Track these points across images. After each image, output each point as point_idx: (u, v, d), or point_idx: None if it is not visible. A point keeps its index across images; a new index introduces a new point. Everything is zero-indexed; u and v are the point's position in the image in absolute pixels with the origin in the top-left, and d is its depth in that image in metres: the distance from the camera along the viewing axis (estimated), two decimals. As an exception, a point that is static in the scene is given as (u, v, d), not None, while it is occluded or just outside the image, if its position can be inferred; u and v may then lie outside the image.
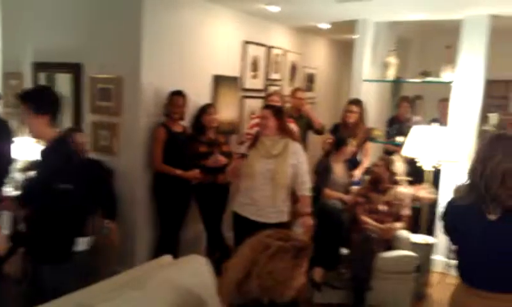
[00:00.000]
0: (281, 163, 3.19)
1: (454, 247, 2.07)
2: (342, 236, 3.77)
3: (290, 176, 3.24)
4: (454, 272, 4.38)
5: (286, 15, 4.98)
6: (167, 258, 2.37)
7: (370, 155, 4.66)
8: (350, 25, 4.99)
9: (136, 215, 3.98)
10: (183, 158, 3.95)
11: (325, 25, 5.62)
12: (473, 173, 1.87)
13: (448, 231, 2.05)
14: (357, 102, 4.61)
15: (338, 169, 4.13)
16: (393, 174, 4.00)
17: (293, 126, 3.96)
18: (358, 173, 4.41)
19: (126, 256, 3.83)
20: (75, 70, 4.20)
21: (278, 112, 3.31)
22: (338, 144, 4.17)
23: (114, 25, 3.97)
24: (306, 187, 3.32)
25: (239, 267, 1.67)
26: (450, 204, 2.01)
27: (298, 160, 3.26)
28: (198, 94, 4.36)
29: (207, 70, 4.59)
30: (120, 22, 3.94)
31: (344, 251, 3.78)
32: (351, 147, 4.17)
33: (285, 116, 3.45)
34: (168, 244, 3.84)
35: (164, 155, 3.88)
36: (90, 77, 4.13)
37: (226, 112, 4.84)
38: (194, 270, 2.22)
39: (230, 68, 4.93)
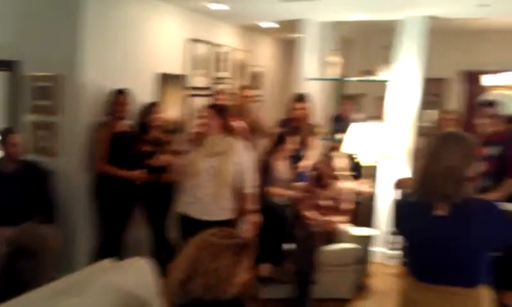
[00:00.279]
0: (225, 161, 3.23)
1: (404, 243, 2.14)
2: (286, 232, 3.86)
3: (233, 174, 3.28)
4: (392, 262, 4.63)
5: (232, 13, 5.01)
6: (108, 262, 2.34)
7: (318, 149, 4.77)
8: (296, 25, 5.10)
9: (76, 218, 3.89)
10: (127, 158, 3.89)
11: (271, 24, 5.71)
12: (421, 170, 1.90)
13: (398, 227, 2.11)
14: (302, 98, 4.70)
15: (281, 166, 4.22)
16: (335, 170, 4.14)
17: (241, 124, 3.99)
18: (302, 164, 4.51)
19: (66, 261, 3.72)
20: (10, 67, 4.02)
21: (221, 111, 3.34)
22: (278, 141, 4.22)
23: (53, 20, 3.84)
24: (249, 185, 3.37)
25: (183, 267, 1.66)
26: (400, 202, 2.10)
27: (241, 159, 3.31)
28: (142, 93, 4.29)
29: (151, 68, 4.53)
30: (59, 17, 3.82)
31: (289, 246, 3.88)
32: (291, 144, 4.24)
33: (228, 115, 3.48)
34: (111, 247, 3.76)
35: (108, 155, 3.81)
36: (28, 75, 3.97)
37: (171, 110, 4.80)
38: (137, 273, 2.20)
39: (175, 66, 4.89)
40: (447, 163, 1.80)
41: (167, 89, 4.74)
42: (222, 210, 3.29)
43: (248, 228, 3.37)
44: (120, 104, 3.87)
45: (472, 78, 6.81)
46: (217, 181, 3.23)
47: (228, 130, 3.36)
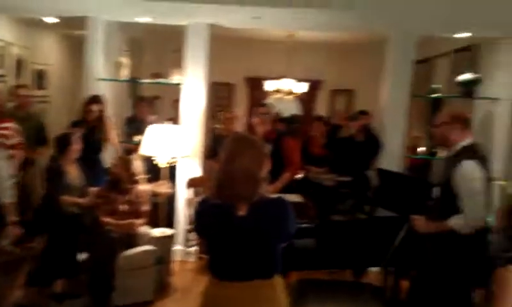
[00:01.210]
0: None
1: (205, 244, 2.12)
2: (78, 242, 3.63)
3: None
4: (192, 259, 4.81)
5: (6, 4, 4.44)
6: None
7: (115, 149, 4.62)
8: (81, 22, 4.81)
9: None
10: None
11: (52, 19, 5.26)
12: (219, 172, 1.96)
13: (199, 229, 2.13)
14: (96, 99, 4.48)
15: (72, 171, 3.94)
16: (132, 173, 4.07)
17: (12, 125, 3.58)
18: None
19: None
20: None
21: None
22: (63, 144, 3.92)
23: None
24: (7, 195, 3.09)
25: None
26: (201, 204, 2.08)
27: None
28: None
29: None
30: None
31: (84, 255, 3.65)
32: (76, 145, 3.99)
33: None
34: None
35: None
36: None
37: None
38: None
39: None
40: (243, 166, 1.91)
41: None
42: None
43: (9, 241, 3.05)
44: None
45: (254, 83, 7.58)
46: None
47: None
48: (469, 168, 2.69)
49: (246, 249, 1.96)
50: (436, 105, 5.98)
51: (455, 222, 2.70)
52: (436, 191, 2.97)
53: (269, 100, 7.43)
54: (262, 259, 1.99)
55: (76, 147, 3.95)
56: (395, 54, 4.75)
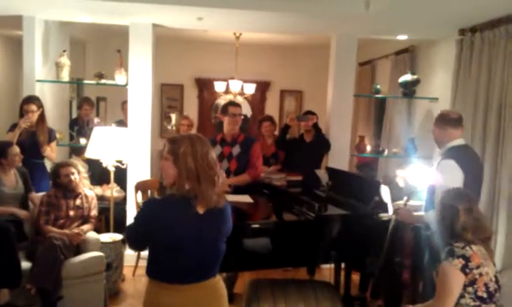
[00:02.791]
0: None
1: (144, 246, 2.08)
2: (19, 250, 3.46)
3: None
4: (144, 263, 4.70)
5: None
6: None
7: (55, 153, 4.43)
8: (18, 21, 4.57)
9: None
10: None
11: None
12: (183, 172, 1.94)
13: (142, 229, 1.99)
14: (34, 100, 4.27)
15: (8, 179, 3.75)
16: (81, 177, 3.93)
17: None
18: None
19: None
20: None
21: None
22: (2, 149, 3.74)
23: None
24: None
25: None
26: (150, 204, 2.06)
27: None
28: None
29: None
30: None
31: (28, 264, 3.48)
32: (15, 150, 3.80)
33: None
34: None
35: None
36: None
37: None
38: None
39: None
40: (194, 164, 1.92)
41: None
42: None
43: None
44: None
45: (204, 84, 7.54)
46: None
47: None
48: (447, 167, 2.85)
49: (197, 250, 1.96)
50: (380, 105, 6.24)
51: (427, 215, 2.86)
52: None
53: (219, 101, 7.44)
54: (212, 260, 2.03)
55: (13, 157, 3.76)
56: (338, 55, 4.91)
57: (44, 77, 4.74)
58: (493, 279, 2.31)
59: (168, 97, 7.63)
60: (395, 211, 3.13)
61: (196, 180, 1.92)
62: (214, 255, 2.03)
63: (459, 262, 2.26)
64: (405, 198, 3.26)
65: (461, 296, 2.27)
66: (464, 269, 2.25)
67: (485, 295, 2.27)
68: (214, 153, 2.02)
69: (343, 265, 3.71)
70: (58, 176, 3.83)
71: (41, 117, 4.27)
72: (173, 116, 5.86)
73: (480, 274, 2.26)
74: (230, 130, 3.95)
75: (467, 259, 2.27)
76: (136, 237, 2.04)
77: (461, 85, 4.22)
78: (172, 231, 1.93)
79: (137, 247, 2.19)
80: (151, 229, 1.94)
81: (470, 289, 2.27)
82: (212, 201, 1.95)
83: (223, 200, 2.01)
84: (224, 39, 6.52)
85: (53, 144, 4.35)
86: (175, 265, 1.96)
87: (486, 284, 2.27)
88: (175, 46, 7.04)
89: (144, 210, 2.01)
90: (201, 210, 1.95)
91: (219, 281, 2.09)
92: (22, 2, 4.05)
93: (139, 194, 4.63)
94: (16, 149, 3.81)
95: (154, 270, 2.02)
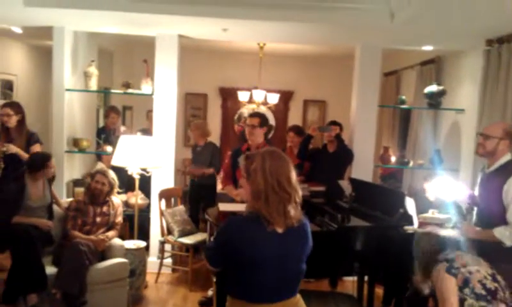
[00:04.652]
0: None
1: (230, 265, 1.99)
2: (45, 255, 3.56)
3: None
4: (167, 271, 4.75)
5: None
6: None
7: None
8: (48, 32, 4.72)
9: None
10: None
11: (17, 30, 5.14)
12: (257, 188, 1.88)
13: (221, 248, 1.96)
14: (12, 105, 4.32)
15: (36, 190, 3.85)
16: (112, 186, 4.01)
17: None
18: None
19: None
20: None
21: None
22: (42, 161, 3.85)
23: None
24: None
25: None
26: (229, 222, 1.99)
27: None
28: None
29: None
30: None
31: (54, 269, 3.56)
32: (53, 163, 3.93)
33: None
34: None
35: None
36: None
37: None
38: None
39: None
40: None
41: None
42: None
43: None
44: None
45: (227, 94, 7.60)
46: None
47: None
48: None
49: (281, 268, 1.91)
50: (405, 115, 6.16)
51: (499, 232, 2.78)
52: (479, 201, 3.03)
53: (243, 110, 7.49)
54: (294, 278, 1.99)
55: (50, 170, 3.90)
56: (362, 66, 4.88)
57: (73, 86, 4.86)
58: (489, 277, 2.30)
59: (191, 106, 7.73)
60: (456, 227, 3.03)
61: (264, 199, 1.86)
62: (294, 274, 1.98)
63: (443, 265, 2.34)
64: (431, 211, 3.21)
65: (463, 299, 2.26)
66: (450, 270, 2.30)
67: (484, 292, 2.25)
68: (292, 171, 1.94)
69: (366, 278, 3.66)
70: (92, 179, 3.95)
71: (19, 123, 4.24)
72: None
73: (470, 272, 2.28)
74: (249, 140, 4.00)
75: (451, 260, 2.33)
76: (216, 256, 2.01)
77: (488, 96, 4.14)
78: (251, 249, 1.87)
79: (217, 265, 2.07)
80: (229, 248, 1.90)
81: (466, 290, 2.27)
82: (284, 222, 1.88)
83: (299, 219, 1.94)
84: (248, 49, 6.57)
85: (34, 147, 4.25)
86: (255, 283, 1.91)
87: (480, 281, 2.27)
88: (200, 56, 7.13)
89: (223, 229, 1.99)
90: (279, 229, 1.88)
91: (299, 300, 2.04)
92: (53, 14, 4.17)
93: (163, 201, 4.69)
94: (53, 162, 3.94)
95: (235, 289, 1.97)
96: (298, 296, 2.04)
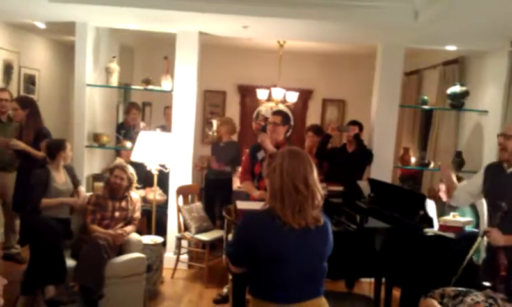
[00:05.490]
0: None
1: (251, 265, 1.99)
2: (65, 248, 3.62)
3: None
4: (183, 267, 4.77)
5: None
6: None
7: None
8: (71, 27, 4.78)
9: None
10: None
11: (41, 25, 5.22)
12: (278, 187, 1.89)
13: (242, 243, 1.97)
14: (18, 99, 4.37)
15: (60, 176, 3.91)
16: (131, 181, 4.04)
17: None
18: None
19: None
20: None
21: None
22: (57, 148, 3.89)
23: None
24: None
25: None
26: (246, 216, 1.99)
27: None
28: None
29: None
30: None
31: (73, 262, 3.61)
32: (70, 146, 3.99)
33: None
34: None
35: None
36: None
37: None
38: None
39: None
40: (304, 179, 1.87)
41: None
42: None
43: None
44: None
45: (246, 91, 7.60)
46: None
47: None
48: None
49: (302, 267, 1.89)
50: (426, 115, 6.06)
51: None
52: (504, 205, 2.91)
53: (261, 108, 7.47)
54: (317, 277, 1.96)
55: (68, 153, 3.95)
56: (384, 65, 4.81)
57: (94, 81, 4.91)
58: None
59: (210, 103, 7.75)
60: (484, 233, 2.94)
61: (280, 199, 1.86)
62: (315, 272, 1.95)
63: None
64: (452, 214, 3.15)
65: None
66: None
67: None
68: (312, 172, 1.92)
69: (383, 280, 3.62)
70: (111, 174, 3.99)
71: (28, 117, 4.27)
72: (214, 122, 5.91)
73: None
74: (270, 137, 4.01)
75: None
76: (237, 252, 2.02)
77: (513, 98, 4.04)
78: (268, 244, 1.87)
79: (239, 263, 2.07)
80: (249, 243, 1.91)
81: None
82: (300, 222, 1.87)
83: (317, 220, 1.92)
84: (268, 47, 6.55)
85: (42, 143, 4.20)
86: (276, 280, 1.90)
87: None
88: (219, 53, 7.14)
89: (241, 224, 2.00)
90: (296, 226, 1.87)
91: (324, 303, 2.01)
92: (76, 10, 4.22)
93: (181, 198, 4.71)
94: (69, 145, 3.99)
95: (257, 289, 1.97)
96: (323, 299, 2.00)
